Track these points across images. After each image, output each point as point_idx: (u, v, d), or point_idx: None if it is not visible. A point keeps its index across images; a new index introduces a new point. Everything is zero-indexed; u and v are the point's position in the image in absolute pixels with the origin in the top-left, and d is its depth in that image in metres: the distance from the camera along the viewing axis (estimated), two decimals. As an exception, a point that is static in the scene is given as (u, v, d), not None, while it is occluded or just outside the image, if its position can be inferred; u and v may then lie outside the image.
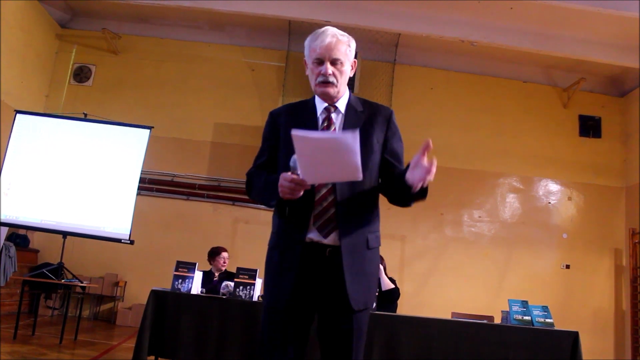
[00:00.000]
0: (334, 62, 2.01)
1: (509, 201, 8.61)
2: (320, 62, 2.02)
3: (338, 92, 2.06)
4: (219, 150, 8.45)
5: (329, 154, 1.72)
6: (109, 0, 7.79)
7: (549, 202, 8.62)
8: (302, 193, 1.84)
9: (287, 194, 1.83)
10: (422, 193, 1.94)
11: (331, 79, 2.01)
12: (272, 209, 2.11)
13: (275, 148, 2.09)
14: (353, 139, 1.67)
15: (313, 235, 1.95)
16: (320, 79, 2.02)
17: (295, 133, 1.67)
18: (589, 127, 8.81)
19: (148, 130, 6.72)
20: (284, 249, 1.99)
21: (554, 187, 8.67)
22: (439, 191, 8.48)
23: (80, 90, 8.65)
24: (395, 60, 8.39)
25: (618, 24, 7.06)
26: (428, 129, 8.54)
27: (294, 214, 1.96)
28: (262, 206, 7.85)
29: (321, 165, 1.76)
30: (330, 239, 1.95)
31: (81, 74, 8.72)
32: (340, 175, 1.82)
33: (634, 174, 8.27)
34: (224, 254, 5.67)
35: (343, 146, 1.69)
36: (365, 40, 7.91)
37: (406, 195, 1.94)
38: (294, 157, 1.78)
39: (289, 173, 1.81)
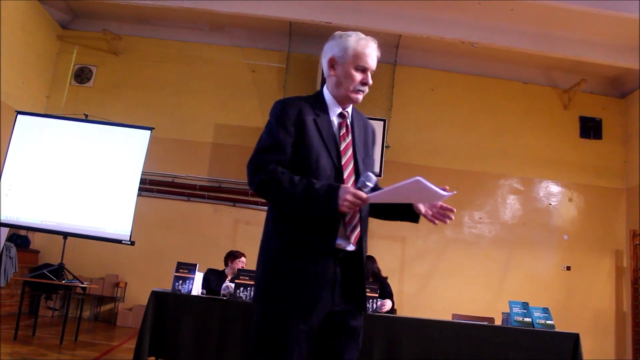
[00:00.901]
0: (371, 73, 2.07)
1: (509, 202, 8.60)
2: (364, 70, 2.03)
3: None
4: (220, 151, 8.46)
5: (417, 195, 1.91)
6: (110, 1, 7.79)
7: (550, 204, 8.61)
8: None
9: (348, 208, 1.84)
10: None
11: (367, 88, 2.07)
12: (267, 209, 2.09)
13: (291, 144, 1.97)
14: (448, 195, 1.84)
15: (340, 242, 1.95)
16: (359, 86, 2.03)
17: (421, 180, 1.77)
18: (590, 128, 8.81)
19: (149, 131, 6.73)
20: (311, 258, 1.92)
21: (554, 188, 8.67)
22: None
23: (81, 91, 8.66)
24: (396, 62, 8.39)
25: (618, 25, 7.06)
26: (428, 130, 8.56)
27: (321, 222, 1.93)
28: (263, 207, 7.88)
29: (399, 197, 1.92)
30: (354, 246, 1.99)
31: (82, 75, 8.73)
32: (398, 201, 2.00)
33: (634, 176, 8.27)
34: (243, 259, 5.71)
35: (438, 197, 1.86)
36: (366, 41, 7.90)
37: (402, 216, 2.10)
38: (368, 175, 1.86)
39: (356, 188, 1.84)
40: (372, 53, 2.03)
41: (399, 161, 8.04)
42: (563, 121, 8.83)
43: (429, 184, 1.78)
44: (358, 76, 2.02)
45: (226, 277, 5.53)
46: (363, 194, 1.82)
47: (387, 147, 7.84)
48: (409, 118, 8.43)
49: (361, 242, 2.00)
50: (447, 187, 1.82)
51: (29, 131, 6.59)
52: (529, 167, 8.64)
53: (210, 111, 8.59)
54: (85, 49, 8.83)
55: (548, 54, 7.85)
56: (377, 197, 1.86)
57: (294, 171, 1.93)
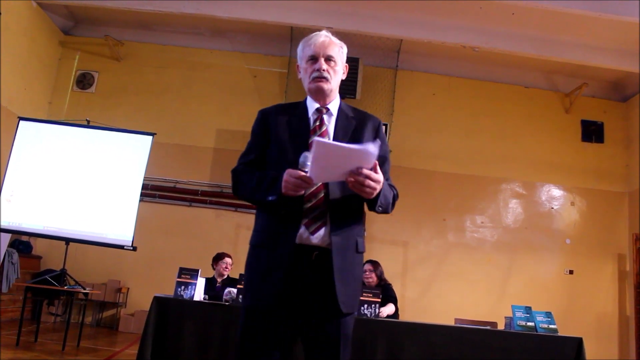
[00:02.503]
0: (328, 59, 2.07)
1: (511, 206, 8.59)
2: (314, 59, 2.07)
3: (331, 92, 2.09)
4: (222, 156, 8.45)
5: (345, 162, 1.77)
6: (112, 6, 7.82)
7: (552, 208, 8.60)
8: (303, 191, 1.86)
9: (290, 190, 1.83)
10: (372, 202, 1.96)
11: (325, 74, 2.05)
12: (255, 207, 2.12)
13: (264, 147, 2.09)
14: (374, 149, 1.73)
15: (301, 232, 1.93)
16: (314, 74, 2.06)
17: (319, 140, 1.72)
18: (592, 132, 8.80)
19: (151, 137, 6.74)
20: (273, 248, 1.94)
21: (556, 192, 8.66)
22: (441, 197, 8.53)
23: (83, 97, 8.68)
24: (397, 66, 8.41)
25: (620, 29, 7.07)
26: (430, 135, 8.56)
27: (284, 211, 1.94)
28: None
29: (332, 169, 1.80)
30: (319, 238, 1.93)
31: (84, 81, 8.75)
32: (345, 177, 1.84)
33: (636, 179, 8.26)
34: (227, 260, 5.70)
35: (364, 155, 1.75)
36: (367, 46, 7.93)
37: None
38: (305, 154, 1.81)
39: (296, 170, 1.83)
40: (317, 40, 2.08)
41: (400, 165, 8.02)
42: (565, 125, 8.83)
43: (337, 142, 1.81)
44: (310, 68, 2.08)
45: (216, 281, 5.53)
46: (300, 172, 1.80)
47: (389, 151, 7.84)
48: (410, 122, 8.43)
49: (336, 236, 1.95)
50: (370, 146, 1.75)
51: (31, 137, 6.60)
52: (531, 171, 8.63)
53: (212, 116, 8.61)
54: (87, 54, 8.85)
55: (549, 58, 7.85)
56: (314, 173, 1.80)
57: (266, 169, 2.02)
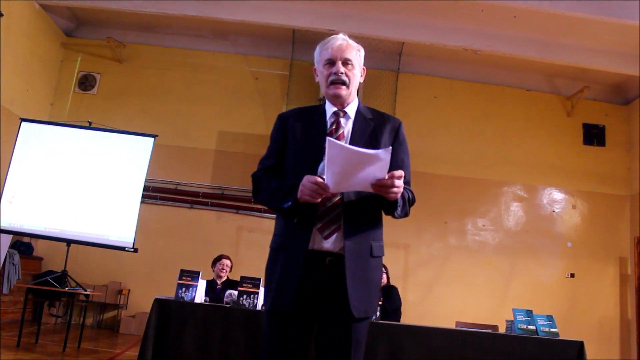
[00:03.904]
0: (345, 63, 2.06)
1: (513, 209, 8.58)
2: (331, 62, 2.06)
3: (349, 96, 2.09)
4: (223, 158, 8.46)
5: (357, 167, 1.75)
6: (114, 8, 7.82)
7: (553, 211, 8.59)
8: (320, 200, 1.86)
9: (306, 195, 1.83)
10: (392, 205, 1.96)
11: (343, 77, 2.05)
12: (275, 213, 2.13)
13: (283, 151, 2.10)
14: (385, 155, 1.71)
15: (315, 237, 1.94)
16: (332, 78, 2.05)
17: (331, 139, 1.70)
18: (593, 135, 8.80)
19: (152, 139, 6.74)
20: (289, 253, 1.96)
21: (558, 195, 8.65)
22: (442, 199, 8.52)
23: (85, 99, 8.69)
24: (399, 69, 8.40)
25: (621, 32, 7.07)
26: (431, 138, 8.56)
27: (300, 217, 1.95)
28: (266, 214, 7.86)
29: (347, 175, 1.78)
30: (332, 243, 1.94)
31: (86, 82, 8.76)
32: (362, 186, 1.83)
33: (638, 182, 8.25)
34: (224, 261, 5.70)
35: (375, 161, 1.73)
36: (369, 49, 7.84)
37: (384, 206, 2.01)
38: (324, 162, 1.80)
39: (315, 176, 1.83)
40: (334, 43, 2.07)
41: (402, 168, 8.03)
42: (566, 128, 8.82)
43: (349, 145, 1.77)
44: (327, 71, 2.07)
45: (217, 283, 5.54)
46: (318, 178, 1.80)
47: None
48: (412, 125, 8.40)
49: (349, 241, 1.94)
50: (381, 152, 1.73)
51: (32, 138, 6.61)
52: (533, 174, 8.63)
53: (213, 118, 8.61)
54: (89, 56, 8.86)
55: (551, 61, 7.85)
56: (330, 179, 1.77)
57: (284, 174, 2.04)
